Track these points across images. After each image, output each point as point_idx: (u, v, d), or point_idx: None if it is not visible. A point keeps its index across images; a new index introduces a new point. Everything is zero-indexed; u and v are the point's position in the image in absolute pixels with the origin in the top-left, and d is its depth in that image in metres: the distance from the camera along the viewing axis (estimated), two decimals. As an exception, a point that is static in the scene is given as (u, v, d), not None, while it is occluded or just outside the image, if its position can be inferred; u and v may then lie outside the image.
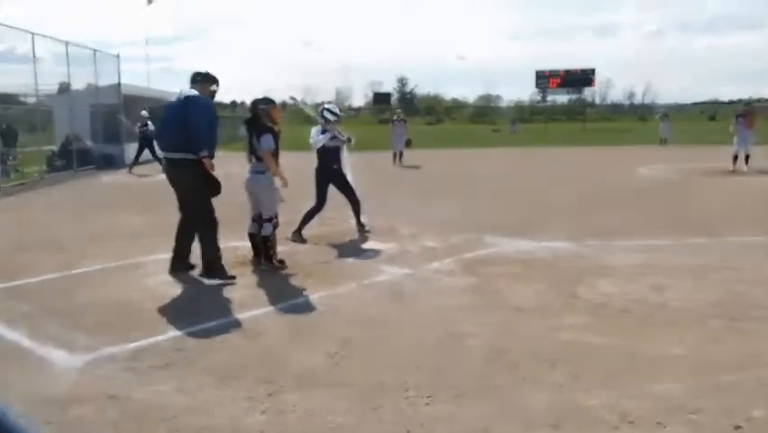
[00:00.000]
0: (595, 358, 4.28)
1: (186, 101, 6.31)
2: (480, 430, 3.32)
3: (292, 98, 9.90)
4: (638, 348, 4.44)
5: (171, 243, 6.71)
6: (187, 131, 6.17)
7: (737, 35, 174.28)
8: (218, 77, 6.67)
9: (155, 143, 16.02)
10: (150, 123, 19.15)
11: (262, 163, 6.79)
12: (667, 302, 5.48)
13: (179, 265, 6.70)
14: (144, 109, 20.27)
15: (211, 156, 6.33)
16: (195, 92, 6.40)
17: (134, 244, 8.19)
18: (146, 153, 19.16)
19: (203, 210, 6.36)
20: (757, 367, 4.04)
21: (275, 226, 6.85)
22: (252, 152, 6.87)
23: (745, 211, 10.67)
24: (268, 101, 7.02)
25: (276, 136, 6.84)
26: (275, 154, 6.79)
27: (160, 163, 6.82)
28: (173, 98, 6.66)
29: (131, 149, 20.04)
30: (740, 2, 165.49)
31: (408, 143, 21.65)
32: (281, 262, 6.83)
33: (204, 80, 6.55)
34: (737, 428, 3.29)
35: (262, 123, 6.86)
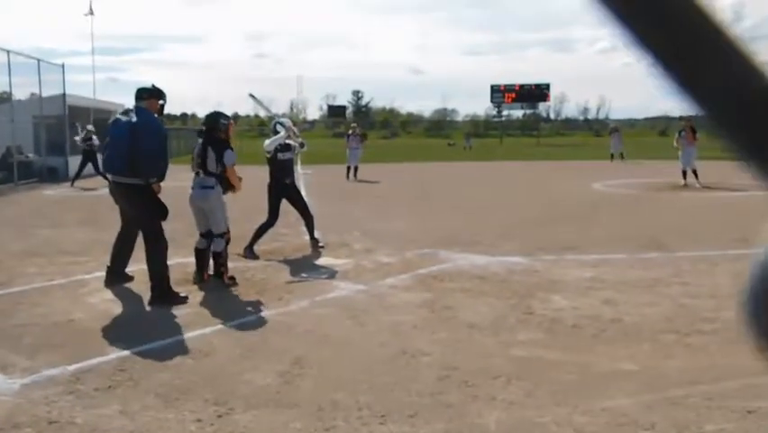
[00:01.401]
0: (547, 374, 4.26)
1: (134, 126, 6.08)
2: (433, 450, 3.26)
3: (251, 96, 9.78)
4: (591, 364, 4.44)
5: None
6: (135, 159, 5.98)
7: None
8: (164, 90, 6.51)
9: (99, 159, 15.73)
10: (94, 137, 18.69)
11: (210, 178, 6.64)
12: (619, 317, 5.52)
13: (115, 277, 6.54)
14: (89, 123, 19.80)
15: (160, 180, 6.19)
16: (142, 111, 6.19)
17: (76, 260, 7.93)
18: (89, 167, 18.67)
19: (150, 232, 6.18)
20: (708, 382, 4.07)
21: (227, 242, 6.71)
22: (202, 165, 6.70)
23: (694, 225, 10.90)
24: (227, 116, 6.90)
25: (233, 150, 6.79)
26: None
27: (105, 178, 6.63)
28: (118, 116, 6.42)
29: (75, 161, 19.51)
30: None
31: (364, 137, 21.90)
32: (232, 278, 6.67)
33: (150, 96, 6.37)
34: (690, 443, 3.29)
35: (220, 137, 6.73)
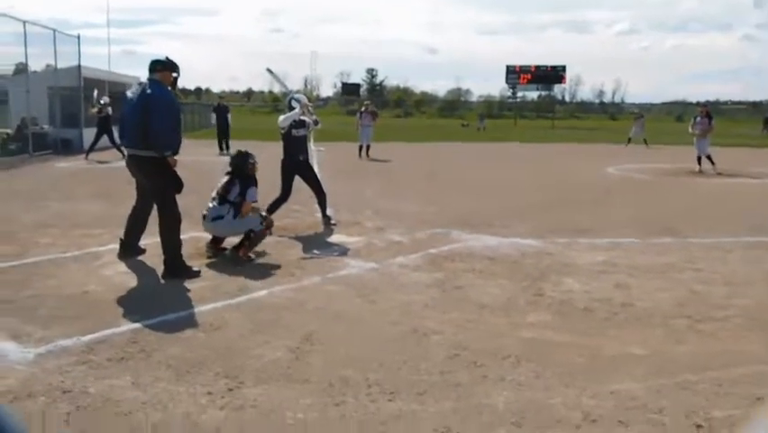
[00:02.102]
0: (557, 356, 4.27)
1: (147, 99, 6.07)
2: (441, 428, 3.28)
3: (269, 70, 9.78)
4: (601, 347, 4.44)
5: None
6: (150, 132, 6.00)
7: (707, 36, 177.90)
8: (178, 63, 6.49)
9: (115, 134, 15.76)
10: (110, 109, 18.71)
11: (224, 206, 6.80)
12: (631, 301, 5.51)
13: (129, 250, 6.60)
14: (103, 95, 19.80)
15: (175, 153, 6.21)
16: (156, 84, 6.18)
17: (90, 233, 7.99)
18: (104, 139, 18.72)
19: (165, 206, 6.21)
20: (717, 368, 4.06)
21: (268, 226, 6.93)
22: (223, 194, 6.86)
23: (708, 212, 10.83)
24: (253, 157, 7.16)
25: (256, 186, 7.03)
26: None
27: (120, 151, 6.66)
28: (134, 88, 6.42)
29: (90, 134, 19.52)
30: (711, 3, 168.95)
31: (376, 115, 21.83)
32: (249, 257, 6.74)
33: (164, 69, 6.33)
34: (699, 427, 3.30)
35: (250, 175, 6.99)
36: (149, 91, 6.12)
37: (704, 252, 7.48)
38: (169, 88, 6.36)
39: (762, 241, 8.15)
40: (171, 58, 6.44)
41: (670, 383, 3.83)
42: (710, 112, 18.27)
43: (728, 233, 8.60)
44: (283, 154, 8.66)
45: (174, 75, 6.42)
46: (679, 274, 6.47)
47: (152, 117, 5.99)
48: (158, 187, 6.24)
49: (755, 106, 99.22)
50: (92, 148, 18.66)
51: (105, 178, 14.10)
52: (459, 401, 3.59)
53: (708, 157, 17.22)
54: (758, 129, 51.18)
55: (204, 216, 6.86)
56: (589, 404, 3.55)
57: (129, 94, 6.42)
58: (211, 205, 6.85)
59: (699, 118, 17.69)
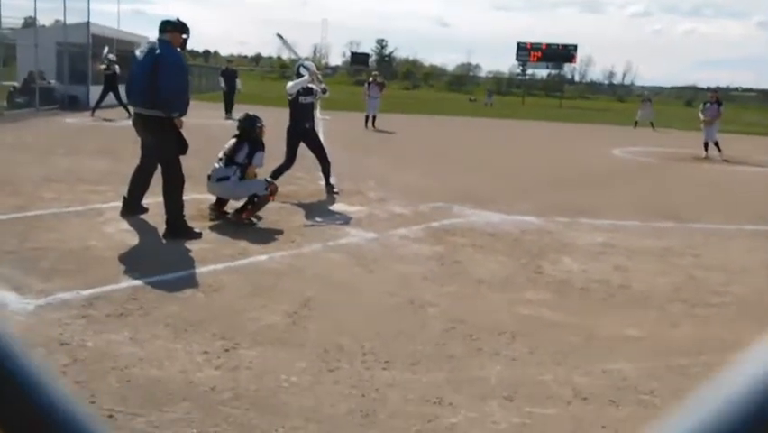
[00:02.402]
0: (552, 334, 4.30)
1: (156, 60, 6.05)
2: (433, 398, 3.32)
3: (279, 36, 9.72)
4: (596, 327, 4.47)
5: (132, 189, 6.61)
6: (158, 92, 5.98)
7: (720, 22, 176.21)
8: (189, 25, 6.46)
9: (120, 90, 15.68)
10: (117, 67, 18.62)
11: (230, 168, 6.79)
12: (628, 283, 5.53)
13: (131, 208, 6.64)
14: (111, 52, 19.68)
15: (182, 114, 6.20)
16: (165, 45, 6.16)
17: (94, 189, 8.01)
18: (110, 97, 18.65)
19: (169, 166, 6.23)
20: (710, 353, 4.09)
21: (272, 192, 6.92)
22: (230, 156, 6.86)
23: (711, 199, 10.82)
24: (260, 120, 7.14)
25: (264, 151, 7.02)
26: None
27: (125, 108, 6.67)
28: (143, 48, 6.43)
29: (97, 91, 19.44)
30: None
31: (383, 87, 21.71)
32: (250, 220, 6.76)
33: (174, 29, 6.31)
34: (688, 410, 3.33)
35: (258, 138, 6.97)
36: (158, 51, 6.10)
37: (704, 238, 7.48)
38: (179, 50, 6.34)
39: (763, 230, 8.14)
40: (182, 19, 6.40)
41: (662, 366, 3.87)
42: (720, 98, 18.20)
43: (730, 220, 8.59)
44: (289, 121, 8.65)
45: (184, 36, 6.40)
46: (678, 259, 6.48)
47: (161, 77, 5.97)
48: (163, 147, 6.25)
49: (766, 94, 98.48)
50: (98, 105, 18.61)
51: (111, 135, 14.08)
52: (452, 373, 3.63)
53: (716, 144, 17.14)
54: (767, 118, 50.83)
55: (209, 177, 6.86)
56: (580, 382, 3.59)
57: (138, 53, 6.41)
58: (217, 165, 6.85)
59: (708, 104, 17.63)
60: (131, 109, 6.64)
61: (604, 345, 4.18)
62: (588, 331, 4.39)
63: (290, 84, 8.52)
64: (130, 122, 6.73)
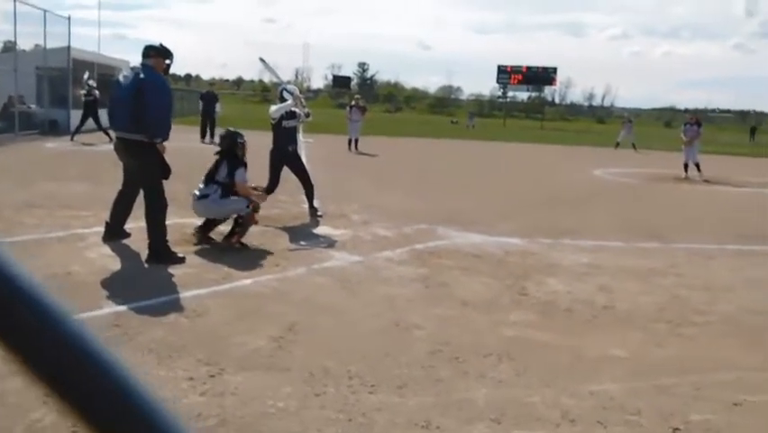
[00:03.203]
0: (538, 356, 4.30)
1: (140, 84, 6.04)
2: (421, 422, 3.30)
3: (261, 60, 9.76)
4: (581, 348, 4.48)
5: (114, 215, 6.56)
6: (142, 117, 5.96)
7: (697, 44, 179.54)
8: (172, 50, 6.46)
9: (101, 115, 15.61)
10: (97, 91, 18.56)
11: (211, 186, 6.71)
12: (612, 304, 5.55)
13: (113, 233, 6.58)
14: (92, 78, 19.62)
15: (164, 139, 6.18)
16: (149, 69, 6.15)
17: (75, 214, 7.93)
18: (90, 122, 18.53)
19: (152, 191, 6.19)
20: (696, 372, 4.11)
21: (254, 210, 6.81)
22: (210, 175, 6.78)
23: (693, 218, 10.91)
24: (242, 136, 7.02)
25: (246, 169, 6.91)
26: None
27: (106, 134, 6.64)
28: (125, 73, 6.43)
29: (77, 115, 19.33)
30: (702, 11, 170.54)
31: (365, 110, 21.79)
32: (241, 243, 6.72)
33: (157, 54, 6.30)
34: (676, 430, 3.34)
35: (237, 155, 6.85)
36: (142, 76, 6.09)
37: (687, 257, 7.54)
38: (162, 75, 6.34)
39: (744, 249, 8.22)
40: (164, 44, 6.41)
41: (648, 386, 3.87)
42: (700, 119, 18.57)
43: (712, 240, 8.68)
44: (273, 144, 8.66)
45: (167, 62, 6.40)
46: (661, 279, 6.52)
47: (145, 102, 5.95)
48: (146, 171, 6.21)
49: (743, 116, 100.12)
50: (78, 130, 18.51)
51: (92, 160, 13.98)
52: (439, 396, 3.61)
53: (697, 164, 17.41)
54: (745, 138, 51.60)
55: (192, 196, 6.82)
56: (568, 404, 3.58)
57: (121, 78, 6.40)
58: (201, 185, 6.81)
59: (688, 126, 18.02)
60: (112, 134, 6.59)
61: (590, 365, 4.18)
62: (574, 352, 4.39)
63: (274, 108, 8.54)
64: (111, 146, 6.69)
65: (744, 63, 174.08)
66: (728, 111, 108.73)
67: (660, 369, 4.15)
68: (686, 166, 17.54)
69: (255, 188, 7.05)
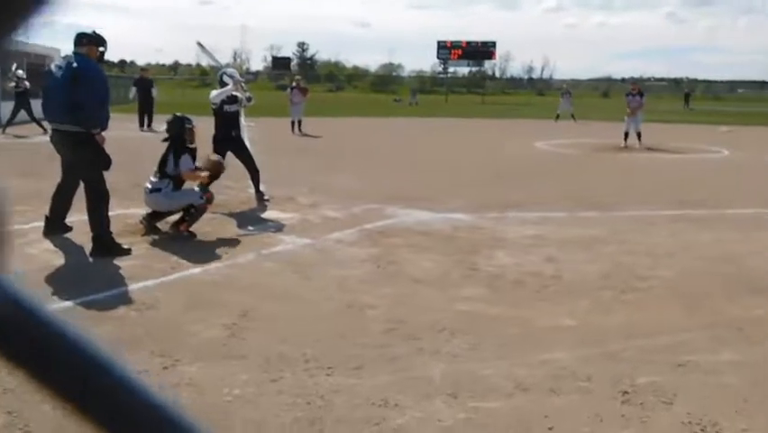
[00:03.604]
0: (490, 328, 4.38)
1: (75, 73, 5.84)
2: (378, 401, 3.33)
3: (199, 44, 9.58)
4: (532, 319, 4.58)
5: (54, 209, 6.38)
6: (77, 107, 5.77)
7: (631, 14, 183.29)
8: (105, 37, 6.27)
9: (34, 107, 15.09)
10: (27, 82, 17.89)
11: (162, 180, 6.59)
12: (560, 274, 5.68)
13: (54, 227, 6.42)
14: (20, 68, 18.88)
15: (103, 129, 6.02)
16: (82, 58, 5.96)
17: (13, 210, 7.68)
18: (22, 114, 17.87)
19: (92, 183, 6.03)
20: (641, 337, 4.25)
21: (208, 200, 6.70)
22: (160, 167, 6.63)
23: (632, 186, 11.21)
24: (189, 120, 6.84)
25: (194, 155, 6.78)
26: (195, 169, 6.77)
27: (39, 125, 6.44)
28: (58, 62, 6.23)
29: (7, 107, 18.60)
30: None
31: (306, 91, 21.62)
32: (190, 232, 6.61)
33: (90, 42, 6.09)
34: (624, 393, 3.46)
35: (182, 143, 6.69)
36: (75, 65, 5.90)
37: (628, 225, 7.76)
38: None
39: (682, 214, 8.50)
40: (98, 31, 6.22)
41: (597, 352, 3.99)
42: (641, 89, 18.97)
43: (651, 206, 8.94)
44: (215, 130, 8.52)
45: (101, 49, 6.20)
46: (605, 247, 6.70)
47: (80, 92, 5.78)
48: (84, 163, 6.05)
49: (677, 83, 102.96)
50: (9, 122, 17.84)
51: (26, 153, 13.52)
52: (396, 374, 3.65)
53: (638, 133, 17.82)
54: (680, 105, 53.10)
55: (144, 189, 6.68)
56: (521, 374, 3.67)
57: (53, 67, 6.19)
58: (153, 178, 6.67)
59: (631, 96, 18.34)
60: (46, 125, 6.38)
61: (541, 335, 4.28)
62: (524, 323, 4.49)
63: (214, 93, 8.40)
64: (46, 138, 6.49)
65: (675, 32, 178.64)
66: (663, 79, 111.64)
67: (607, 335, 4.28)
68: (626, 135, 17.95)
69: (198, 169, 6.87)
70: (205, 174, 6.81)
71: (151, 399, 0.38)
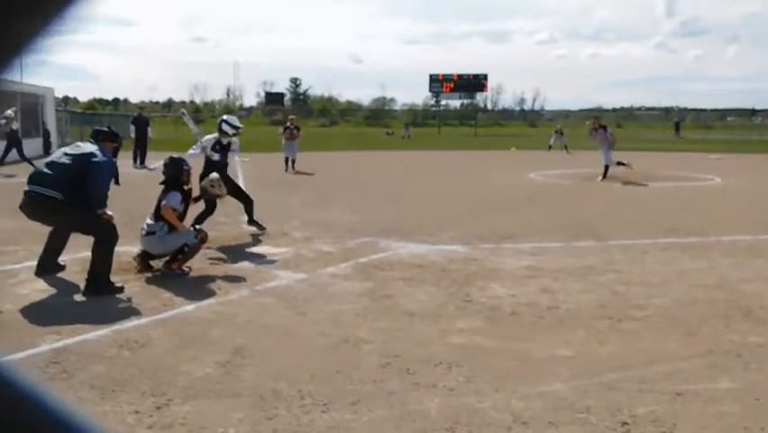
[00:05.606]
0: (487, 361, 4.34)
1: (92, 164, 5.97)
2: (375, 437, 3.28)
3: (183, 114, 9.81)
4: (528, 350, 4.54)
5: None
6: (88, 191, 5.94)
7: (621, 45, 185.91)
8: (114, 133, 6.70)
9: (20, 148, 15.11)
10: (15, 122, 17.96)
11: (156, 223, 6.62)
12: (556, 304, 5.66)
13: (47, 266, 6.37)
14: (8, 108, 18.92)
15: (104, 207, 6.09)
16: (101, 150, 6.14)
17: (4, 249, 7.64)
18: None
19: (106, 232, 6.00)
20: (639, 366, 4.22)
21: (202, 240, 6.71)
22: (157, 211, 6.68)
23: (625, 215, 11.24)
24: (186, 163, 6.95)
25: (186, 197, 6.84)
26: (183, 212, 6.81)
27: (30, 164, 6.51)
28: (79, 143, 6.50)
29: (-1, 147, 18.66)
30: (624, 13, 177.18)
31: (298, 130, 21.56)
32: (182, 269, 6.58)
33: (105, 138, 6.44)
34: (624, 424, 3.42)
35: (181, 183, 6.79)
36: (95, 154, 6.05)
37: (622, 254, 7.76)
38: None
39: (675, 242, 8.51)
40: (113, 128, 6.65)
41: (595, 383, 3.96)
42: (603, 123, 17.84)
43: (644, 235, 8.96)
44: (203, 170, 8.59)
45: (115, 145, 6.55)
46: (600, 276, 6.68)
47: (93, 179, 5.96)
48: (83, 221, 6.07)
49: (667, 112, 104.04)
50: (1, 162, 17.88)
51: (17, 191, 13.45)
52: (392, 409, 3.61)
53: (619, 162, 17.11)
54: (671, 134, 53.59)
55: (141, 231, 6.70)
56: (518, 406, 3.63)
57: (68, 149, 6.36)
58: (149, 220, 6.67)
59: (594, 132, 17.29)
60: (37, 163, 6.44)
61: (538, 367, 4.24)
62: (521, 355, 4.45)
63: (191, 151, 8.72)
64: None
65: (665, 62, 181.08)
66: (653, 109, 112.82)
67: (604, 365, 4.25)
68: (606, 169, 17.07)
69: (182, 215, 6.81)
70: (182, 226, 6.75)
71: None
